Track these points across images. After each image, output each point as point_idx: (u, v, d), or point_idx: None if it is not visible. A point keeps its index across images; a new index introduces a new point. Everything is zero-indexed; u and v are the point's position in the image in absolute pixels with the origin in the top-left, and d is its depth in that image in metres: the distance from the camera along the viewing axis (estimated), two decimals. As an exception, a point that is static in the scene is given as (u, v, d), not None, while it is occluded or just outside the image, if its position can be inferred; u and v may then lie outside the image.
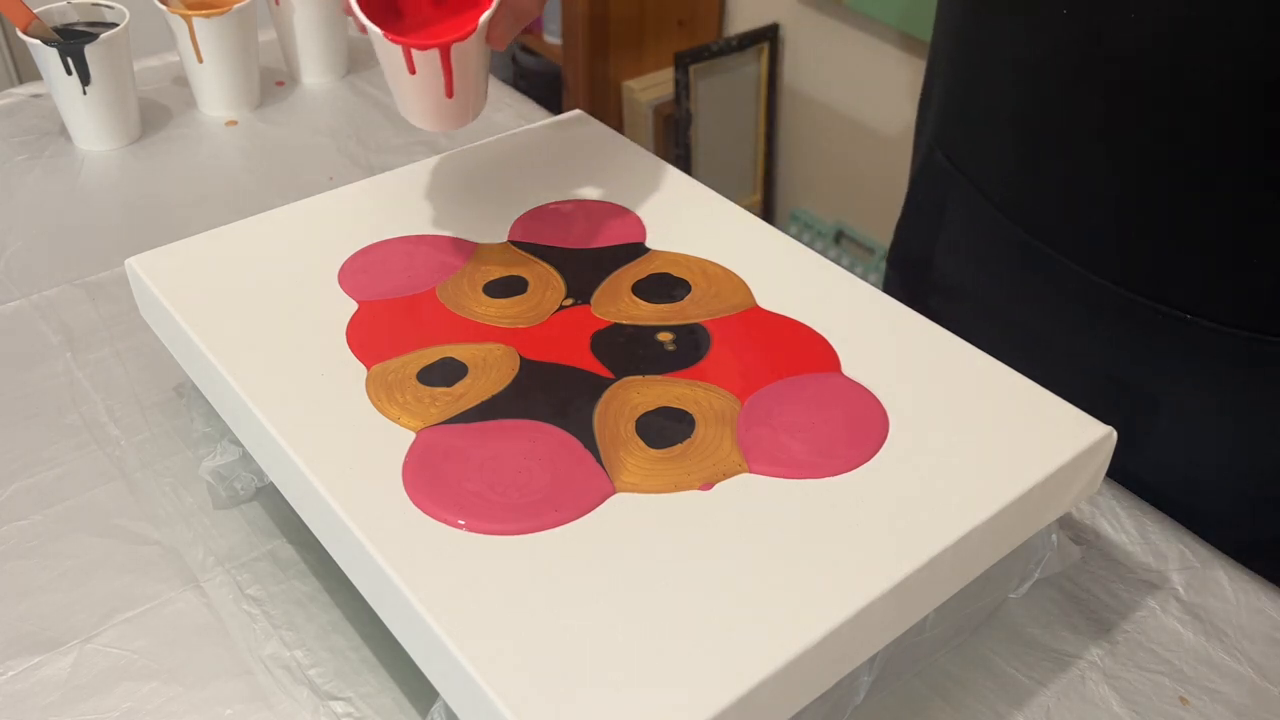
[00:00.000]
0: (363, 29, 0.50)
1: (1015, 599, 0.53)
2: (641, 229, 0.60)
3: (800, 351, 0.52)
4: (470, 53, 0.51)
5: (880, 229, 1.76)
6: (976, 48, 0.61)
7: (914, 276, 0.72)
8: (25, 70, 1.78)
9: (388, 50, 0.51)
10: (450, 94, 0.52)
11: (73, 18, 0.83)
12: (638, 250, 0.58)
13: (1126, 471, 0.57)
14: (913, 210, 0.72)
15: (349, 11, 0.50)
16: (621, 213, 0.61)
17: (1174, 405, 0.59)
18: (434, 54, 0.50)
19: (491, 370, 0.50)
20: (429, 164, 0.65)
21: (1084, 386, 0.51)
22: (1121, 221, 0.56)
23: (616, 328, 0.53)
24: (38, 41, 0.78)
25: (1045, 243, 0.60)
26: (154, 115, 0.88)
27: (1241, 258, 0.53)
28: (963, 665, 0.50)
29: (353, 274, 0.56)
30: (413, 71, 0.51)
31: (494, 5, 0.50)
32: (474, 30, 0.50)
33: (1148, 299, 0.56)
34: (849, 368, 0.51)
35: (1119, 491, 0.59)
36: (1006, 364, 0.51)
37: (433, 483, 0.44)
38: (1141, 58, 0.51)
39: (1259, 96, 0.48)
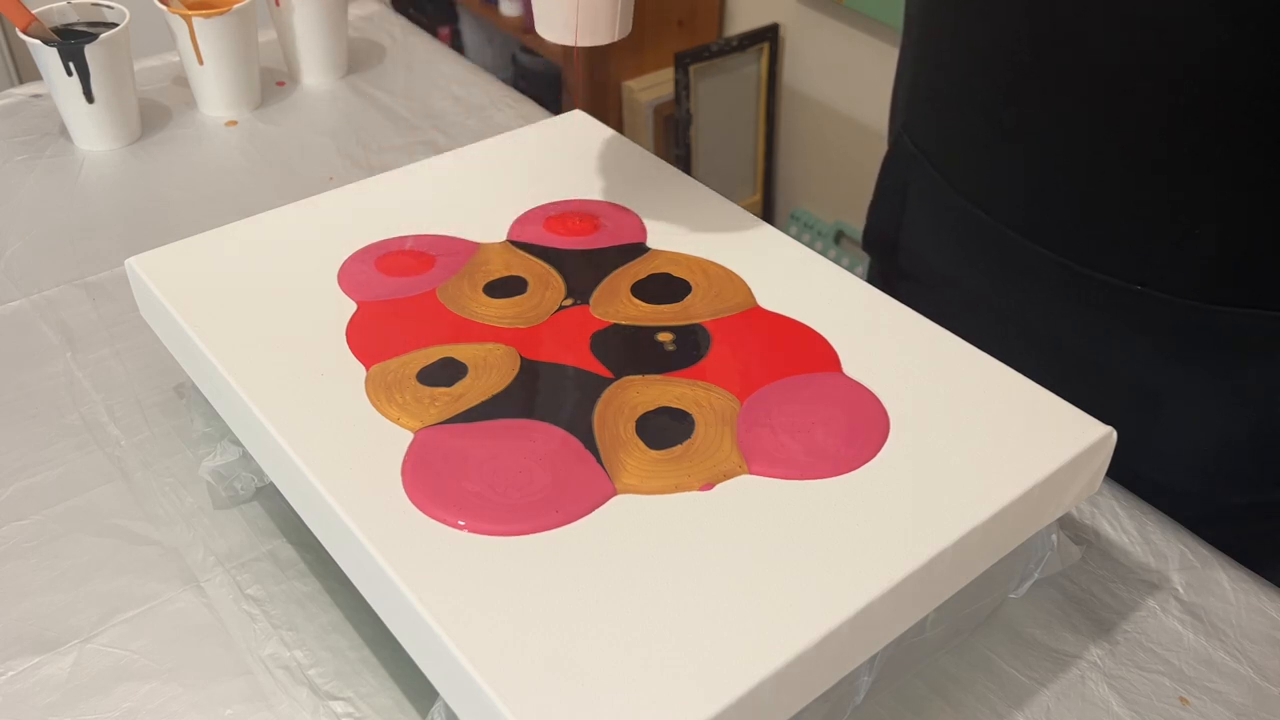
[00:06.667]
0: None
1: (1015, 599, 0.53)
2: (641, 229, 0.60)
3: (800, 351, 0.52)
4: None
5: (880, 229, 1.76)
6: (935, 30, 0.63)
7: (884, 258, 0.74)
8: (25, 70, 1.78)
9: None
10: None
11: (73, 18, 0.83)
12: (638, 250, 0.58)
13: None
14: (879, 193, 0.73)
15: None
16: (621, 213, 0.61)
17: (1136, 379, 0.60)
18: None
19: (491, 370, 0.50)
20: (429, 164, 0.65)
21: (1045, 360, 0.52)
22: (1073, 200, 0.57)
23: (616, 328, 0.53)
24: (38, 42, 0.78)
25: (1002, 222, 0.61)
26: (154, 115, 0.88)
27: (1188, 231, 0.54)
28: (963, 665, 0.50)
29: (353, 274, 0.56)
30: None
31: None
32: None
33: (1099, 272, 0.58)
34: (849, 368, 0.51)
35: (1119, 491, 0.59)
36: (971, 344, 0.52)
37: (432, 483, 0.44)
38: (1091, 41, 0.52)
39: (1201, 77, 0.49)
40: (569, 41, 0.54)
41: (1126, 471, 0.57)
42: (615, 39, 0.54)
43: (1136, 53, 0.51)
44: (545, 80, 2.17)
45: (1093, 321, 0.60)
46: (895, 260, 0.72)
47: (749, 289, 0.56)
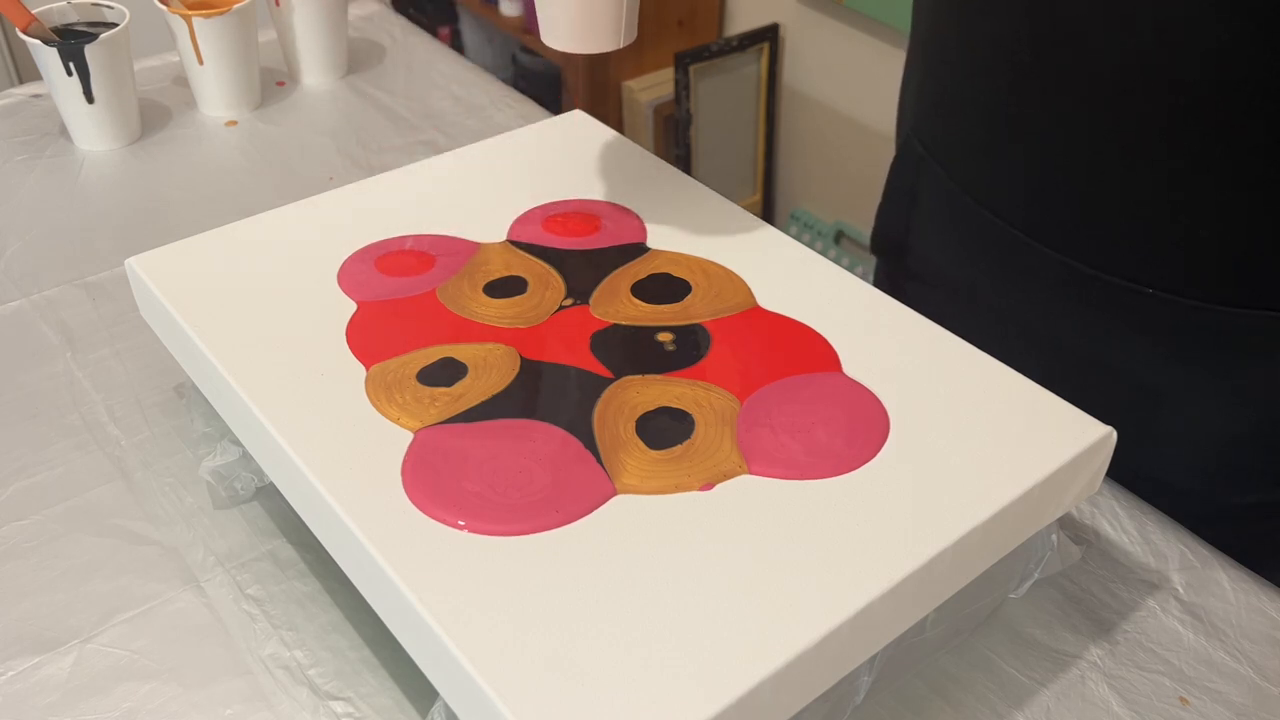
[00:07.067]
0: None
1: (1015, 599, 0.53)
2: (641, 229, 0.60)
3: (800, 351, 0.52)
4: None
5: (880, 229, 1.76)
6: (940, 30, 0.63)
7: (892, 260, 0.74)
8: (25, 70, 1.78)
9: None
10: None
11: (73, 18, 0.83)
12: (638, 250, 0.58)
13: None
14: (888, 195, 0.73)
15: None
16: (621, 213, 0.61)
17: (1136, 379, 0.60)
18: None
19: (491, 370, 0.50)
20: (429, 164, 0.65)
21: (1045, 360, 0.52)
22: (1074, 200, 0.57)
23: (616, 328, 0.53)
24: (38, 42, 0.78)
25: (1007, 222, 0.61)
26: (154, 115, 0.88)
27: (1188, 231, 0.54)
28: (963, 665, 0.50)
29: (352, 274, 0.56)
30: None
31: None
32: None
33: (1100, 272, 0.58)
34: (849, 368, 0.51)
35: (1119, 491, 0.59)
36: (974, 345, 0.52)
37: (432, 483, 0.44)
38: (1091, 41, 0.52)
39: (1201, 77, 0.50)
40: (574, 49, 0.53)
41: (1126, 471, 0.57)
42: (621, 45, 0.54)
43: (1136, 53, 0.51)
44: (545, 80, 2.17)
45: (1093, 321, 0.60)
46: (904, 262, 0.72)
47: (749, 289, 0.56)
